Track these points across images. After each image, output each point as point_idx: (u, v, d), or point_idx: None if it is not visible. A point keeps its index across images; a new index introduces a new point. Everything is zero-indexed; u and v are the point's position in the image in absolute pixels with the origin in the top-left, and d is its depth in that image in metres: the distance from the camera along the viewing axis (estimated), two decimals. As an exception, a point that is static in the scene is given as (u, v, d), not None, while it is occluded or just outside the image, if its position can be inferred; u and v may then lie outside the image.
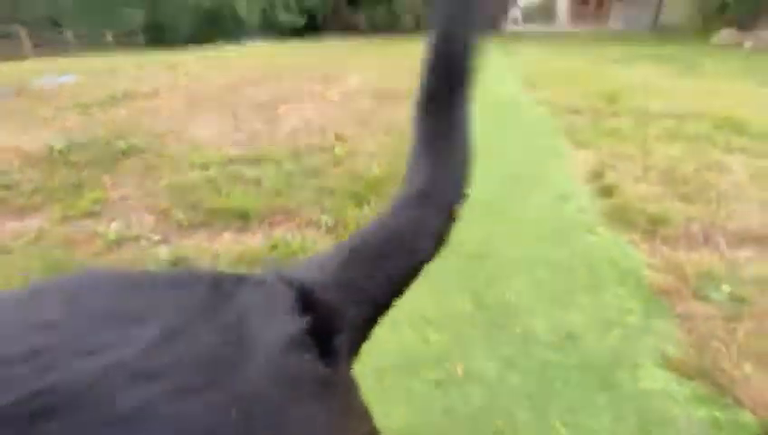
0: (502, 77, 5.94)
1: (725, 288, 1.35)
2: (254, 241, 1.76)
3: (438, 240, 0.36)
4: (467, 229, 1.81)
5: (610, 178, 2.25)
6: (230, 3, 21.67)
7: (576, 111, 3.75)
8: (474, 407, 1.00)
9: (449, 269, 1.53)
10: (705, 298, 1.32)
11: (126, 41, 17.97)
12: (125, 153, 2.81)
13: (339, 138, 3.03)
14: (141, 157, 2.75)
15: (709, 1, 10.33)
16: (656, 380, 1.06)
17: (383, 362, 1.13)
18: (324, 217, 1.88)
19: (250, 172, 2.43)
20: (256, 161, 2.61)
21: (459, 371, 1.10)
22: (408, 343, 1.21)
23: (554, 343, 1.18)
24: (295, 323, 0.24)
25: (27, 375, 0.15)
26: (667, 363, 1.10)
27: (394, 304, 0.34)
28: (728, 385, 1.02)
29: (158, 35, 19.39)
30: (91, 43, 16.54)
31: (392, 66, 6.91)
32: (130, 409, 0.15)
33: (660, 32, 14.47)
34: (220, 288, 0.24)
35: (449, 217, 0.37)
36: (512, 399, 1.02)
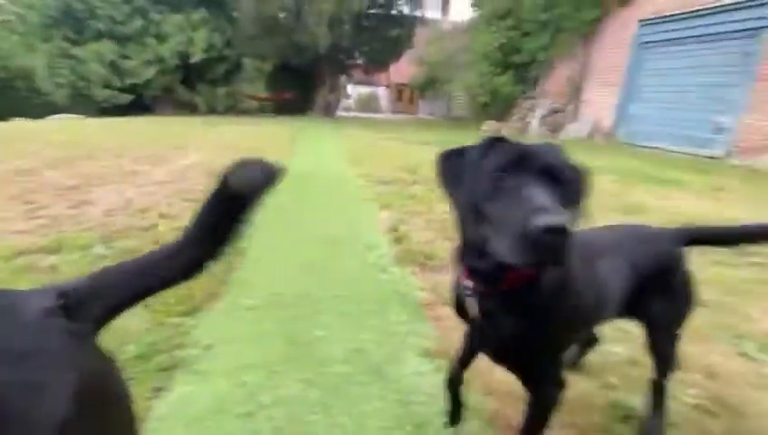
0: (332, 156, 6.83)
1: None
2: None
3: (184, 273, 0.61)
4: (288, 285, 2.08)
5: (403, 230, 2.92)
6: (26, 74, 18.46)
7: (387, 182, 4.66)
8: (277, 424, 1.20)
9: (270, 320, 1.75)
10: (447, 304, 1.89)
11: None
12: None
13: (163, 216, 2.99)
14: None
15: (476, 101, 14.36)
16: (413, 365, 1.47)
17: (195, 410, 1.23)
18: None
19: (45, 262, 2.17)
20: (55, 249, 2.35)
21: (267, 400, 1.29)
22: (222, 390, 1.33)
23: (347, 359, 1.50)
24: (51, 302, 0.47)
25: None
26: (422, 352, 1.55)
27: (138, 303, 0.58)
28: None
29: None
30: None
31: (228, 146, 7.11)
32: None
33: (452, 120, 19.05)
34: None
35: (195, 261, 0.62)
36: (309, 410, 1.26)
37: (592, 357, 1.49)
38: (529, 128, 12.77)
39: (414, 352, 1.55)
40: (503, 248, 0.63)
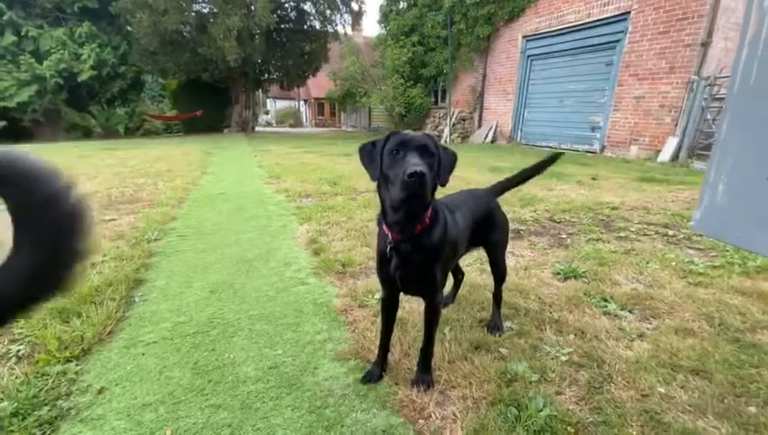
0: (249, 174, 6.60)
1: (378, 295, 2.04)
2: None
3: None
4: (197, 311, 1.97)
5: (322, 241, 2.94)
6: None
7: (307, 195, 4.65)
8: (181, 457, 1.14)
9: (173, 352, 1.64)
10: (365, 306, 1.97)
11: None
12: None
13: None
14: None
15: (393, 112, 14.97)
16: (327, 370, 1.50)
17: (82, 463, 1.11)
18: (13, 347, 1.62)
19: None
20: None
21: (169, 433, 1.22)
22: (117, 433, 1.23)
23: (260, 377, 1.47)
24: None
25: None
26: (337, 356, 1.58)
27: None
28: (371, 357, 1.57)
29: None
30: None
31: (129, 172, 6.47)
32: None
33: (372, 132, 19.58)
34: None
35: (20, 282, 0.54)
36: (215, 433, 1.22)
37: (488, 335, 1.67)
38: (442, 135, 13.66)
39: (328, 358, 1.58)
40: (395, 193, 1.09)
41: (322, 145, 12.09)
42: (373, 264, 2.48)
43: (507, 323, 1.79)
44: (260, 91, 23.39)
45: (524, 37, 10.96)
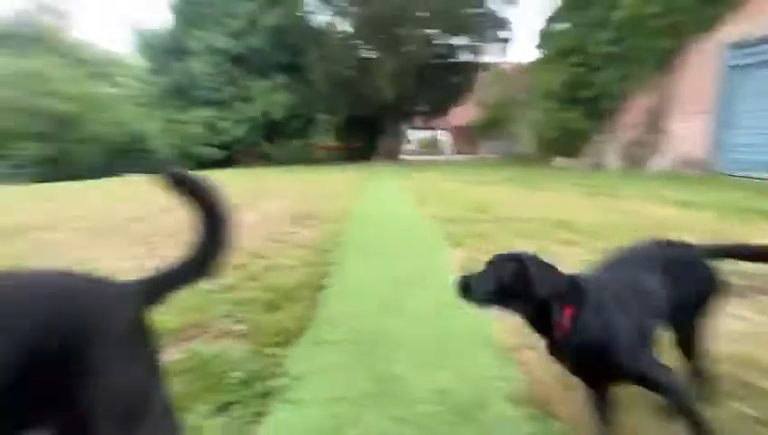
0: (399, 197, 7.07)
1: (548, 338, 1.85)
2: (168, 356, 1.83)
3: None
4: (367, 321, 2.15)
5: (476, 268, 2.87)
6: (141, 137, 22.20)
7: (454, 220, 4.68)
8: (368, 459, 1.22)
9: (351, 354, 1.82)
10: (534, 348, 1.80)
11: (17, 173, 16.79)
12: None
13: (254, 255, 3.32)
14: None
15: (543, 138, 14.00)
16: (501, 410, 1.41)
17: (291, 438, 1.30)
18: (238, 327, 2.07)
19: (163, 294, 2.52)
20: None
21: (356, 433, 1.32)
22: (314, 419, 1.40)
23: (431, 399, 1.49)
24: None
25: None
26: (511, 398, 1.48)
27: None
28: (549, 407, 1.42)
29: (57, 169, 18.57)
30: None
31: (305, 192, 7.73)
32: None
33: (515, 158, 18.67)
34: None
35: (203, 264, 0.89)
36: (398, 446, 1.27)
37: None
38: (605, 162, 12.03)
39: (501, 397, 1.49)
40: None
41: (464, 173, 12.12)
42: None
43: (737, 405, 1.37)
44: (405, 122, 25.26)
45: (730, 45, 8.88)
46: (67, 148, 19.47)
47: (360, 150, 21.12)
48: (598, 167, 11.83)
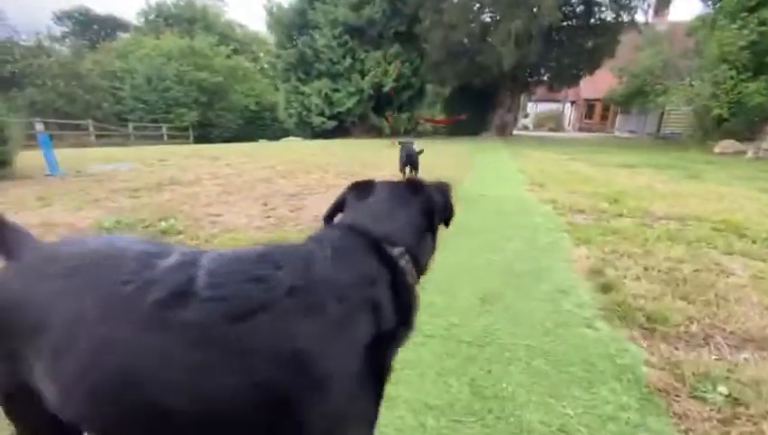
0: (512, 178, 6.41)
1: (722, 390, 1.36)
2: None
3: None
4: (469, 318, 1.91)
5: (609, 275, 2.35)
6: (271, 107, 24.86)
7: (580, 211, 3.99)
8: (464, 495, 1.02)
9: (451, 356, 1.61)
10: (701, 398, 1.33)
11: (178, 135, 20.47)
12: (165, 233, 3.14)
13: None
14: (178, 238, 3.07)
15: (705, 116, 11.21)
16: (649, 480, 1.05)
17: (378, 442, 1.17)
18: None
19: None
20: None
21: (452, 457, 1.13)
22: (406, 426, 1.25)
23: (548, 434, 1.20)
24: None
25: None
26: (662, 464, 1.10)
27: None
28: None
29: (207, 132, 22.04)
30: (149, 136, 18.94)
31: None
32: None
33: (661, 140, 15.44)
34: None
35: None
36: (502, 489, 1.03)
37: None
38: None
39: (647, 457, 1.12)
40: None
41: (592, 153, 10.48)
42: (709, 332, 1.73)
43: None
44: (524, 94, 22.92)
45: None
46: (216, 114, 22.88)
47: (468, 124, 20.03)
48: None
